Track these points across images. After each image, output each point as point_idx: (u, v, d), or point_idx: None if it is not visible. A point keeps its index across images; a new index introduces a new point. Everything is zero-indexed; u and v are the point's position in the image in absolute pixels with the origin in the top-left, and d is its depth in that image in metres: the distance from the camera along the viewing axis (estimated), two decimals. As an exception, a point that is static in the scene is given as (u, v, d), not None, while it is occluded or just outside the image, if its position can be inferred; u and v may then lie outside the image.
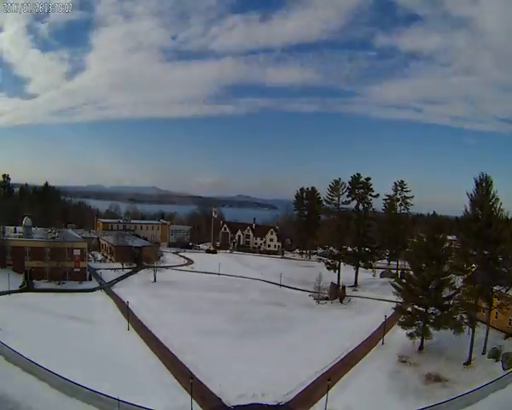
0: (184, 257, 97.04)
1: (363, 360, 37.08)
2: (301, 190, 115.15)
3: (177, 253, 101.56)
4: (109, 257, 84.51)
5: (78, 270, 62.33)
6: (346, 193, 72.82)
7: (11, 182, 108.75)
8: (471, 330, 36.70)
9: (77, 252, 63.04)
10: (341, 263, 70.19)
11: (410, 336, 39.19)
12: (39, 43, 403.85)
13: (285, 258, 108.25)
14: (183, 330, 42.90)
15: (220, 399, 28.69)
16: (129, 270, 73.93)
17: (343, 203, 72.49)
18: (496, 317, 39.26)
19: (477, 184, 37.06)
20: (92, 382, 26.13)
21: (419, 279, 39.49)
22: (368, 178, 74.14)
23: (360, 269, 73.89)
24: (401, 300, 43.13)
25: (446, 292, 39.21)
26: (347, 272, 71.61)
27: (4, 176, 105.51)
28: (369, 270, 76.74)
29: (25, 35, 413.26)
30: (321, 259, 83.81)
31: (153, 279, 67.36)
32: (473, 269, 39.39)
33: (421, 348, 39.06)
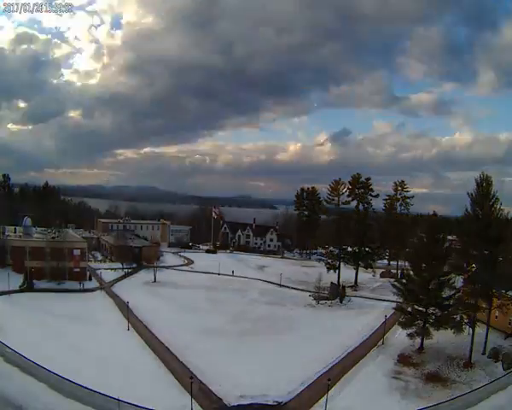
0: (184, 257, 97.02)
1: (363, 360, 37.03)
2: (301, 190, 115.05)
3: (177, 253, 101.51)
4: (109, 257, 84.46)
5: (78, 270, 62.25)
6: (346, 193, 72.86)
7: (11, 182, 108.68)
8: (471, 330, 36.70)
9: (77, 252, 62.98)
10: (341, 263, 70.15)
11: (410, 336, 39.15)
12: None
13: (285, 258, 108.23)
14: (183, 329, 42.89)
15: (221, 399, 28.69)
16: (129, 270, 73.90)
17: (343, 203, 72.50)
18: (496, 317, 39.22)
19: (477, 184, 37.09)
20: (92, 382, 26.09)
21: (419, 279, 39.45)
22: (368, 178, 74.21)
23: (360, 269, 73.87)
24: (401, 300, 43.13)
25: (446, 292, 39.20)
26: (347, 272, 71.60)
27: (4, 176, 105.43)
28: (369, 270, 76.69)
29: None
30: (321, 259, 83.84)
31: (153, 279, 67.34)
32: (473, 269, 39.36)
33: (421, 348, 39.03)
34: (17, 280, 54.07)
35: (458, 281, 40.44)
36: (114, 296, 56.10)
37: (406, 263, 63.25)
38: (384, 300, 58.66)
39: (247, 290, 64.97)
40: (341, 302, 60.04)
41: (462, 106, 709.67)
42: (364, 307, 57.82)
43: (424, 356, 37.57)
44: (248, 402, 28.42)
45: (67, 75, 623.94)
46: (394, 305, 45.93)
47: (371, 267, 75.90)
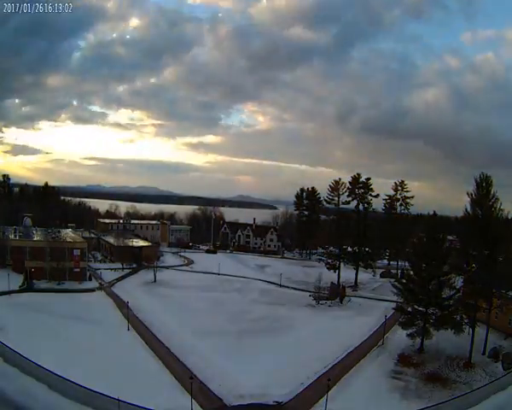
0: (184, 257, 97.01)
1: (364, 360, 37.06)
2: (301, 190, 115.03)
3: (177, 253, 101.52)
4: (109, 257, 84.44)
5: (78, 270, 62.15)
6: (346, 193, 72.91)
7: (11, 182, 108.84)
8: (471, 330, 36.71)
9: (77, 252, 62.87)
10: (341, 263, 70.15)
11: (410, 336, 39.19)
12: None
13: (285, 258, 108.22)
14: (183, 330, 42.90)
15: (221, 399, 28.70)
16: (129, 270, 73.87)
17: (343, 203, 72.57)
18: (496, 317, 39.24)
19: (477, 184, 37.11)
20: (92, 382, 26.07)
21: (419, 279, 39.50)
22: (368, 178, 74.27)
23: (360, 269, 73.86)
24: (401, 300, 43.16)
25: (446, 292, 39.23)
26: (347, 272, 71.58)
27: (4, 176, 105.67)
28: (369, 270, 76.74)
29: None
30: (321, 259, 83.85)
31: (153, 279, 67.33)
32: (473, 269, 39.38)
33: (421, 348, 39.05)
34: (17, 280, 53.99)
35: (458, 281, 40.48)
36: (114, 296, 56.03)
37: (406, 263, 63.29)
38: (384, 300, 58.67)
39: (247, 290, 64.92)
40: (341, 302, 60.02)
41: None
42: (364, 307, 57.83)
43: (424, 356, 37.58)
44: (248, 402, 28.43)
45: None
46: (394, 305, 45.92)
47: (371, 267, 75.97)
